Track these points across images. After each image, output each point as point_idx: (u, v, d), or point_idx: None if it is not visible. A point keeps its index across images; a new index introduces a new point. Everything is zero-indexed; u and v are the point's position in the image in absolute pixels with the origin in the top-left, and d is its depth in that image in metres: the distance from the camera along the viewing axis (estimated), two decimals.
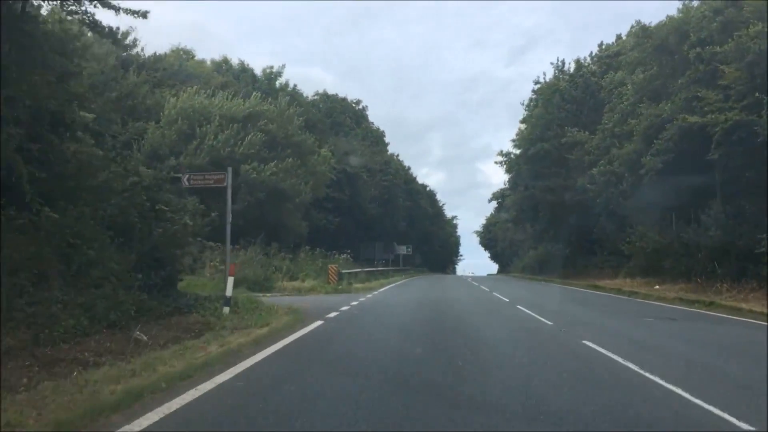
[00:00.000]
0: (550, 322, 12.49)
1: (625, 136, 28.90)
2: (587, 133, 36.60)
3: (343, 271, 26.73)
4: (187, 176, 13.70)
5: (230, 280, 12.31)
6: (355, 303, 17.26)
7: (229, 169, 13.90)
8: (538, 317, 13.52)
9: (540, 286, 34.65)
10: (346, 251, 36.03)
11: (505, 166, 49.43)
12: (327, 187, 37.96)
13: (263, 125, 27.98)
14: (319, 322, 11.91)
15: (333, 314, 13.70)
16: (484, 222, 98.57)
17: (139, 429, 4.48)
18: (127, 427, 4.49)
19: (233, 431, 4.68)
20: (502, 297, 21.47)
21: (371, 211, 48.32)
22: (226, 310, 12.02)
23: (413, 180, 71.17)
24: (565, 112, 41.13)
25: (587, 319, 14.24)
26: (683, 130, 22.92)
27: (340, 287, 23.48)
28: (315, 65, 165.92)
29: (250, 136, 26.78)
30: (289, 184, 27.02)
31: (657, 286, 25.18)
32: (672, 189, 26.06)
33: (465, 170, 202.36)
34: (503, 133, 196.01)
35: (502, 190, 58.22)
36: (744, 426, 4.91)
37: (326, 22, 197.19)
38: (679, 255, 24.89)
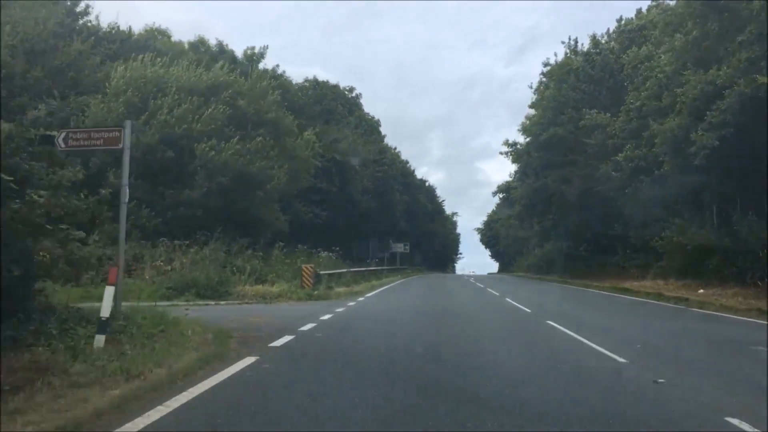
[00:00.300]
0: (622, 359, 7.81)
1: (661, 113, 24.27)
2: (608, 115, 32.07)
3: (324, 271, 22.02)
4: (63, 134, 9.05)
5: (108, 292, 7.66)
6: (326, 317, 12.62)
7: (128, 122, 9.26)
8: (597, 347, 8.78)
9: (555, 288, 29.99)
10: (334, 248, 31.29)
11: (511, 157, 44.70)
12: (313, 176, 33.31)
13: (228, 97, 23.12)
14: (249, 361, 7.27)
15: (283, 340, 9.07)
16: (485, 219, 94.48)
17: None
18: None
19: None
20: (520, 305, 16.83)
21: (364, 204, 43.69)
22: (100, 339, 7.40)
23: (411, 174, 66.59)
24: (581, 93, 36.66)
25: (671, 350, 9.37)
26: (746, 97, 18.36)
27: (316, 292, 18.76)
28: (315, 64, 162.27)
29: (210, 110, 21.98)
30: (259, 168, 22.15)
31: (701, 290, 21.05)
32: (721, 175, 21.73)
33: (464, 169, 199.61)
34: (503, 132, 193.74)
35: (508, 182, 53.52)
36: None
37: (326, 21, 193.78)
38: (731, 253, 20.68)
